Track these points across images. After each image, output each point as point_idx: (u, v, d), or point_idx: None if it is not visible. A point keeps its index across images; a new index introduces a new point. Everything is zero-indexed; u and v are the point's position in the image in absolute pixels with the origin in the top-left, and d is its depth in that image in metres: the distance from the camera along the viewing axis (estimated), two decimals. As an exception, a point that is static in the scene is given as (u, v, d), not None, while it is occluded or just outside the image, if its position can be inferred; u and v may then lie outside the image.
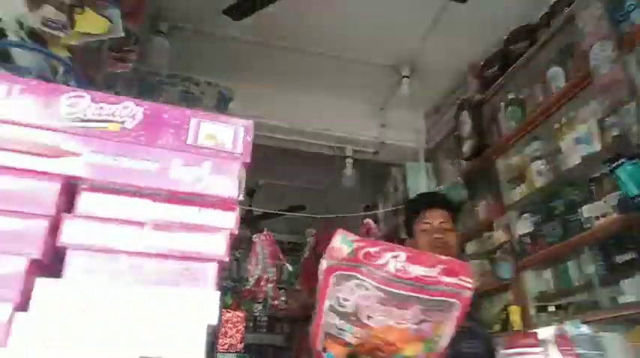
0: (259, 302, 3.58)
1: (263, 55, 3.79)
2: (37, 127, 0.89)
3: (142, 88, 3.89)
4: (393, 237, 4.01)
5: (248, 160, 0.99)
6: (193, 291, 0.84)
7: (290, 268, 3.72)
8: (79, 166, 0.88)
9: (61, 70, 2.08)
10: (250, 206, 5.47)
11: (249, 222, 5.40)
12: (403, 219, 2.09)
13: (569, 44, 2.74)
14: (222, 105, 4.03)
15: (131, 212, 0.90)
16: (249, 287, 3.22)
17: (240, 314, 2.84)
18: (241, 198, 0.95)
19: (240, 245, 6.96)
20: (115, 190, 0.91)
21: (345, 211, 4.90)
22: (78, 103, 0.94)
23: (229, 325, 2.81)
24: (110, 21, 2.40)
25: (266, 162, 5.05)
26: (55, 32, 2.27)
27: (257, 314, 4.41)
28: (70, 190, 0.89)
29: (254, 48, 3.73)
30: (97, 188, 0.90)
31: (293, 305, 4.46)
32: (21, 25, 2.18)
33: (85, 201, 0.88)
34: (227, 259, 0.89)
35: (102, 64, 2.82)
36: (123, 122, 0.95)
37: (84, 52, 2.67)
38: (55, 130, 0.89)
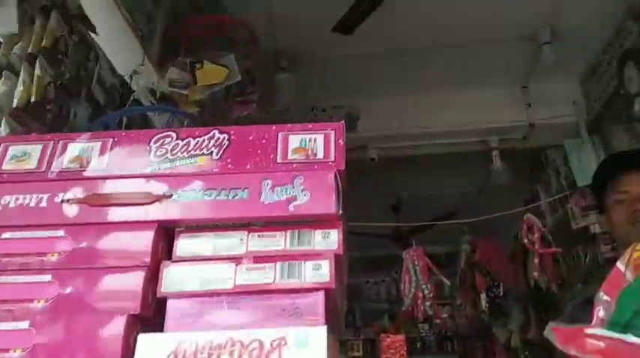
0: (423, 322, 3.36)
1: (384, 65, 3.66)
2: (129, 177, 0.88)
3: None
4: (561, 230, 3.49)
5: (343, 166, 0.87)
6: (300, 330, 0.73)
7: (447, 282, 3.42)
8: (172, 208, 0.85)
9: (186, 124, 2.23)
10: (397, 222, 5.30)
11: (399, 238, 5.23)
12: (590, 190, 1.68)
13: None
14: (350, 125, 4.01)
15: (228, 248, 0.83)
16: (405, 307, 3.04)
17: (401, 337, 2.66)
18: (340, 212, 0.82)
19: (396, 265, 6.85)
20: (211, 227, 0.86)
21: (504, 210, 4.45)
22: (165, 143, 0.92)
23: (391, 351, 2.64)
24: (227, 67, 2.53)
25: (407, 173, 4.88)
26: (182, 91, 2.46)
27: (423, 334, 4.16)
28: (168, 235, 0.86)
29: (374, 60, 3.61)
30: (192, 228, 0.86)
31: (461, 321, 4.12)
32: (152, 91, 2.40)
33: (182, 244, 0.84)
34: (334, 286, 0.77)
35: (230, 111, 2.99)
36: (211, 153, 0.91)
37: (212, 104, 2.88)
38: (145, 176, 0.88)
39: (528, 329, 4.00)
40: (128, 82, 2.11)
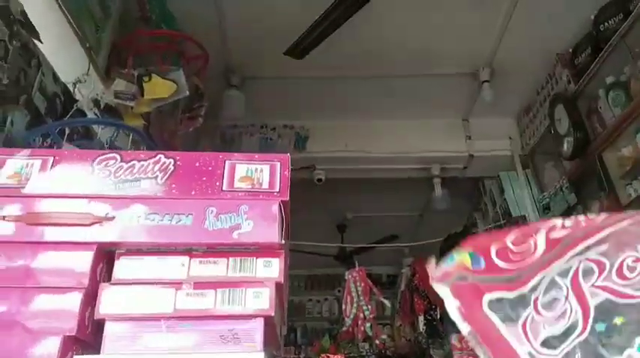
0: (363, 342, 3.40)
1: (335, 89, 3.77)
2: (70, 197, 0.87)
3: (224, 141, 4.06)
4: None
5: (286, 198, 0.89)
6: (238, 357, 0.74)
7: (387, 303, 3.50)
8: (113, 231, 0.84)
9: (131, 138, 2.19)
10: (342, 242, 5.38)
11: (343, 258, 5.30)
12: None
13: (671, 8, 2.36)
14: (298, 145, 4.07)
15: (169, 272, 0.84)
16: (346, 328, 3.07)
17: (340, 357, 2.69)
18: (283, 241, 0.85)
19: (339, 284, 6.90)
20: (152, 251, 0.86)
21: (441, 235, 4.62)
22: (109, 165, 0.91)
23: (329, 371, 2.66)
24: (175, 82, 2.51)
25: (353, 195, 4.98)
26: (127, 103, 2.41)
27: (364, 354, 4.22)
28: (108, 257, 0.86)
29: (325, 83, 3.70)
30: (133, 251, 0.85)
31: (400, 342, 4.20)
32: (97, 102, 2.34)
33: (122, 266, 0.84)
34: (273, 314, 0.79)
35: (178, 125, 2.95)
36: (155, 177, 0.91)
37: (158, 118, 2.84)
38: (86, 197, 0.87)
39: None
40: (71, 90, 2.04)
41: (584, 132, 3.03)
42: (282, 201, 0.88)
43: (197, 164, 0.92)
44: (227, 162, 0.92)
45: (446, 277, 0.76)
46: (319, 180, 4.14)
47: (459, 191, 4.51)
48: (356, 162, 4.11)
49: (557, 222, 0.81)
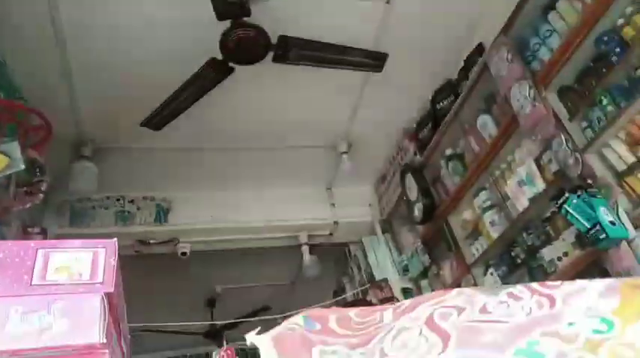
0: None
1: (194, 160, 3.68)
2: None
3: (73, 216, 3.67)
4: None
5: (112, 289, 0.80)
6: None
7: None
8: None
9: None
10: (212, 317, 5.08)
11: (213, 336, 4.98)
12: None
13: (491, 92, 2.77)
14: (160, 218, 3.84)
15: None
16: (213, 412, 2.81)
17: None
18: (104, 340, 0.74)
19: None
20: None
21: (315, 301, 4.60)
22: None
23: None
24: (8, 156, 2.24)
25: (222, 267, 4.79)
26: (-53, 176, 2.09)
27: None
28: None
29: (186, 154, 3.62)
30: None
31: None
32: None
33: None
34: None
35: (12, 201, 2.61)
36: (-55, 274, 0.76)
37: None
38: None
39: None
40: None
41: (432, 198, 3.34)
42: (106, 293, 0.78)
43: (1, 255, 0.78)
44: (40, 251, 0.80)
45: (267, 330, 0.74)
46: (183, 253, 3.91)
47: (327, 257, 4.59)
48: (223, 232, 3.99)
49: (406, 302, 0.86)
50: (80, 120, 3.12)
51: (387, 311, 0.87)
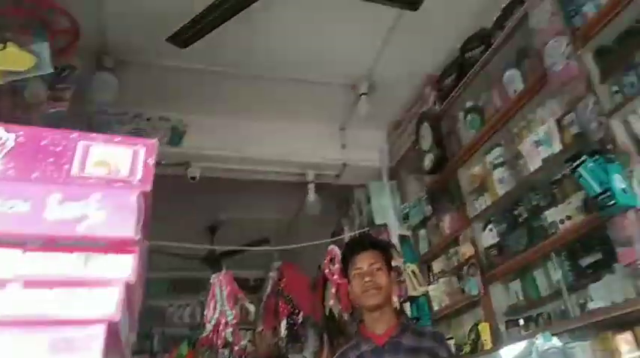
0: (223, 348, 3.30)
1: (215, 84, 3.62)
2: None
3: (90, 128, 3.67)
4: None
5: (149, 188, 0.81)
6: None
7: (251, 308, 3.45)
8: None
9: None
10: (212, 244, 5.21)
11: (212, 262, 5.13)
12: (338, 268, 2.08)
13: (525, 46, 2.68)
14: (175, 140, 3.85)
15: (-4, 268, 0.71)
16: (206, 334, 2.95)
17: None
18: (139, 237, 0.77)
19: (204, 288, 6.66)
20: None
21: (313, 239, 4.71)
22: None
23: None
24: (37, 56, 2.21)
25: (226, 195, 4.86)
26: (-31, 69, 2.07)
27: (223, 362, 4.11)
28: None
29: (206, 77, 3.54)
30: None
31: (261, 347, 4.17)
32: None
33: None
34: (118, 318, 0.70)
35: (37, 105, 2.60)
36: (-10, 154, 0.77)
37: (12, 93, 2.47)
38: None
39: (321, 355, 4.25)
40: None
41: (444, 150, 3.32)
42: (142, 191, 0.79)
43: (43, 143, 0.79)
44: (80, 143, 0.80)
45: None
46: (193, 178, 3.96)
47: (330, 197, 4.65)
48: (233, 162, 4.01)
49: None
50: (104, 27, 3.04)
51: None
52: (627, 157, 1.98)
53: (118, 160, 0.81)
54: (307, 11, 2.95)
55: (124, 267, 0.75)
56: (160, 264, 5.64)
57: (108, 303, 0.70)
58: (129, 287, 0.74)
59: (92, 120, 3.68)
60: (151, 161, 0.82)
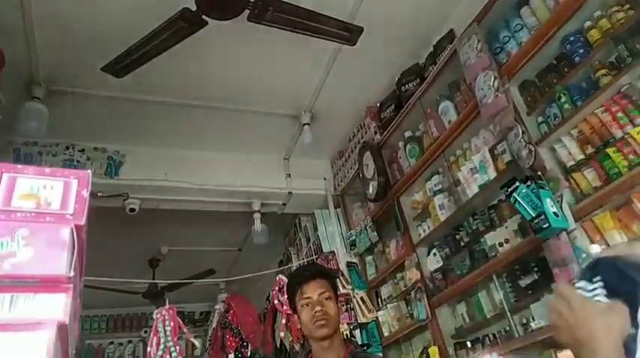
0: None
1: (154, 114, 3.54)
2: None
3: (18, 160, 3.47)
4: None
5: (82, 222, 0.77)
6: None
7: (196, 343, 3.32)
8: None
9: None
10: (154, 277, 5.00)
11: (154, 296, 4.91)
12: (286, 298, 2.03)
13: (456, 79, 2.85)
14: (112, 171, 3.71)
15: None
16: (150, 370, 2.81)
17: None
18: (72, 273, 0.73)
19: (147, 324, 6.37)
20: None
21: (260, 269, 4.64)
22: None
23: None
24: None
25: (168, 227, 4.71)
26: None
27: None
28: None
29: (146, 106, 3.46)
30: None
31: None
32: None
33: None
34: (49, 363, 0.66)
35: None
36: None
37: None
38: None
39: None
40: None
41: (387, 177, 3.41)
42: (75, 225, 0.76)
43: (-37, 176, 0.74)
44: (5, 175, 0.76)
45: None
46: (132, 209, 3.81)
47: (276, 226, 4.62)
48: (176, 192, 3.90)
49: None
50: (35, 56, 2.91)
51: None
52: (556, 182, 2.12)
53: (49, 193, 0.77)
54: (248, 43, 2.97)
55: (56, 306, 0.71)
56: (98, 300, 5.35)
57: (38, 348, 0.65)
58: (62, 329, 0.69)
59: (19, 151, 3.49)
60: (85, 193, 0.79)
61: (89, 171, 0.81)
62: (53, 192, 0.77)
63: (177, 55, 2.65)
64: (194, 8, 2.28)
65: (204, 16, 2.32)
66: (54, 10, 2.62)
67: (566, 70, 2.14)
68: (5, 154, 3.42)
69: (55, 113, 3.13)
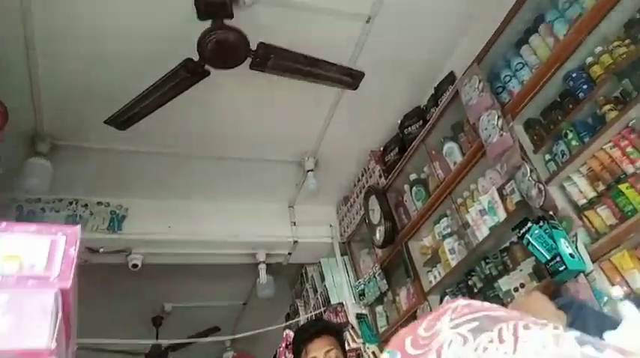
0: None
1: (156, 166, 3.52)
2: None
3: (20, 217, 3.43)
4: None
5: (69, 285, 0.71)
6: None
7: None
8: None
9: None
10: (157, 337, 4.83)
11: (157, 356, 4.73)
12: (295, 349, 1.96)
13: (459, 120, 2.83)
14: (114, 225, 3.66)
15: None
16: None
17: None
18: (53, 345, 0.65)
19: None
20: None
21: (267, 323, 4.48)
22: None
23: None
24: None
25: (172, 283, 4.59)
26: None
27: None
28: None
29: (147, 159, 3.45)
30: None
31: None
32: None
33: None
34: None
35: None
36: None
37: None
38: None
39: None
40: None
41: (394, 222, 3.33)
42: (61, 289, 0.69)
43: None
44: (-13, 233, 0.70)
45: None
46: (135, 265, 3.72)
47: (282, 278, 4.50)
48: (179, 245, 3.82)
49: (461, 302, 0.82)
50: (40, 112, 2.92)
51: (445, 318, 0.83)
52: (570, 222, 2.04)
53: (33, 253, 0.71)
54: (250, 90, 2.98)
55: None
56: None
57: None
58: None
59: (22, 208, 3.46)
60: (73, 251, 0.73)
61: (78, 226, 0.75)
62: (38, 252, 0.70)
63: (178, 105, 2.65)
64: (197, 58, 2.30)
65: (206, 66, 2.34)
66: (58, 64, 2.64)
67: (570, 106, 2.11)
68: (8, 211, 3.38)
69: (58, 168, 3.12)
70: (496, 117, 2.30)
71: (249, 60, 2.33)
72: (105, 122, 2.69)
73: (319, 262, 4.22)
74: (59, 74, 2.71)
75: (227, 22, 2.18)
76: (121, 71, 2.72)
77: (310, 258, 4.34)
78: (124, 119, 2.67)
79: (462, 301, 0.81)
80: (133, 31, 2.54)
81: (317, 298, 4.24)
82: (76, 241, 0.75)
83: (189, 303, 5.03)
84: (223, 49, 2.20)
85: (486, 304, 0.77)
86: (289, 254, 4.24)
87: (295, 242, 4.11)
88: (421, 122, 3.15)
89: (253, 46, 2.28)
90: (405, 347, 0.78)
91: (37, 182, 3.02)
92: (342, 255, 4.13)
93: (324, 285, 4.08)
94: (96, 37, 2.53)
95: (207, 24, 2.19)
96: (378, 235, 3.41)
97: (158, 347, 4.81)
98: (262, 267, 4.15)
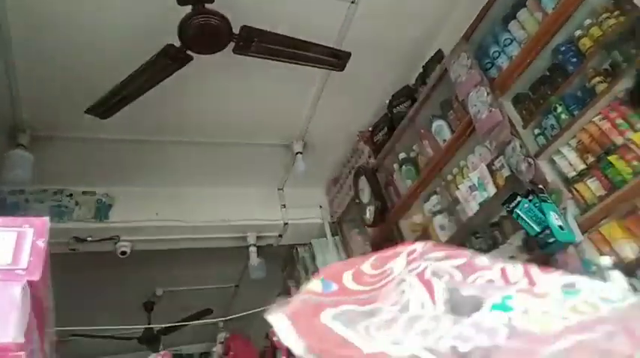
0: None
1: (144, 154, 3.48)
2: None
3: (3, 209, 3.37)
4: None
5: (38, 276, 0.68)
6: None
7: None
8: None
9: None
10: (150, 321, 4.82)
11: (151, 340, 4.74)
12: None
13: (448, 98, 2.82)
14: (101, 214, 3.61)
15: None
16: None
17: None
18: (22, 340, 0.63)
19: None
20: None
21: (259, 304, 4.49)
22: None
23: None
24: None
25: (162, 267, 4.58)
26: None
27: None
28: None
29: (132, 147, 3.40)
30: None
31: None
32: None
33: None
34: None
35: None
36: None
37: None
38: None
39: None
40: None
41: (384, 201, 3.33)
42: (30, 281, 0.67)
43: None
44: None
45: (283, 305, 0.68)
46: (123, 253, 3.69)
47: (273, 259, 4.50)
48: (168, 232, 3.80)
49: (418, 245, 0.81)
50: (18, 103, 2.86)
51: (400, 259, 0.82)
52: (559, 195, 2.05)
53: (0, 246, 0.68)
54: (235, 75, 2.94)
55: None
56: (92, 348, 5.15)
57: None
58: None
59: (5, 199, 3.39)
60: (42, 243, 0.70)
61: (46, 218, 0.72)
62: (4, 245, 0.68)
63: (162, 92, 2.60)
64: (178, 44, 2.24)
65: (189, 52, 2.28)
66: (36, 53, 2.57)
67: (559, 80, 2.11)
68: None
69: (41, 159, 3.06)
70: (485, 93, 2.29)
71: (232, 44, 2.28)
72: (85, 112, 2.64)
73: (310, 243, 4.23)
74: (37, 65, 2.65)
75: (208, 6, 2.12)
76: (101, 60, 2.66)
77: (301, 239, 4.35)
78: (105, 108, 2.62)
79: (419, 243, 0.80)
80: (112, 20, 2.48)
81: (309, 278, 4.23)
82: (44, 232, 0.73)
83: (181, 287, 5.03)
84: (205, 34, 2.16)
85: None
86: (280, 236, 4.25)
87: (285, 224, 4.12)
88: (410, 101, 3.14)
89: (236, 30, 2.23)
90: (342, 280, 0.76)
91: (19, 173, 2.96)
92: (332, 235, 4.14)
93: (315, 265, 4.10)
94: (73, 26, 2.47)
95: (188, 9, 2.13)
96: (369, 214, 3.41)
97: (150, 331, 4.81)
98: (253, 250, 4.15)
